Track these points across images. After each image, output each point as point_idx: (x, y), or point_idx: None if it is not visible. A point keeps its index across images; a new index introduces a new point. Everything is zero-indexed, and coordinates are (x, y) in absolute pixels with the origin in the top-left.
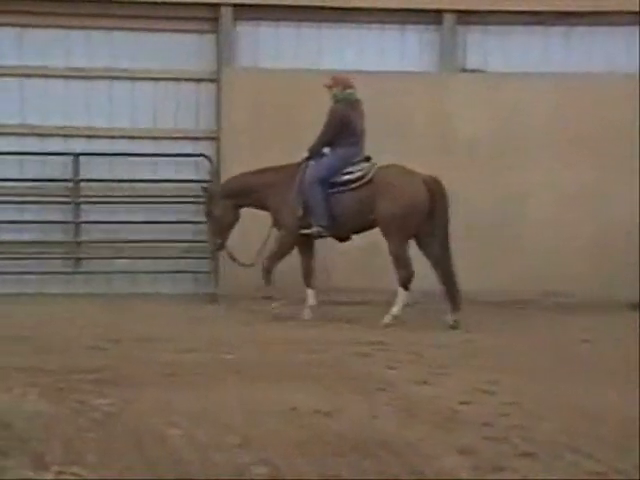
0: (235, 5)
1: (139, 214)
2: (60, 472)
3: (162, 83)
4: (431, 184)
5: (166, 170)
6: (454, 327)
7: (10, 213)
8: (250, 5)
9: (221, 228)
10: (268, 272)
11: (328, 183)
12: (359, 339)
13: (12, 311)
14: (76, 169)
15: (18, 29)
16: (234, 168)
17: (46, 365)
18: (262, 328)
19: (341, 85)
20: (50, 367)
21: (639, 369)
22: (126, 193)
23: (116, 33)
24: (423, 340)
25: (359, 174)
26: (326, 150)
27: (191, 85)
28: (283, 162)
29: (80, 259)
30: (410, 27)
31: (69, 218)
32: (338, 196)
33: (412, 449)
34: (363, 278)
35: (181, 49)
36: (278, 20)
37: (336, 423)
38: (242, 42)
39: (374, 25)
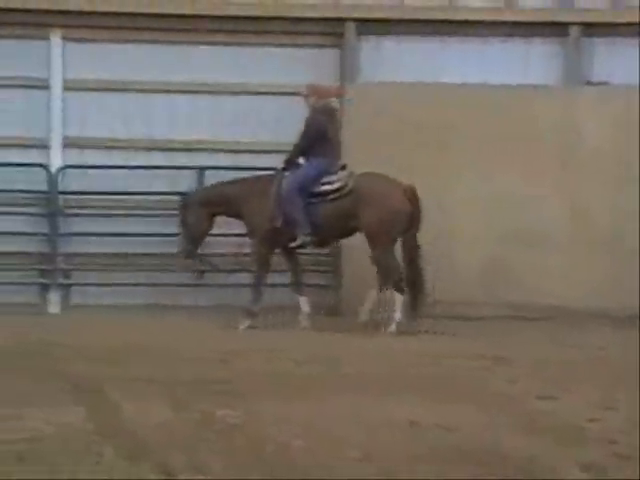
0: (359, 20)
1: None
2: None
3: (285, 97)
4: (410, 192)
5: None
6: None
7: (137, 226)
8: (373, 20)
9: (194, 235)
10: (259, 288)
11: (307, 193)
12: (478, 352)
13: (146, 322)
14: (201, 182)
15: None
16: None
17: (172, 376)
18: (381, 341)
19: (317, 95)
20: (176, 378)
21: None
22: None
23: (242, 48)
24: (545, 355)
25: (339, 184)
26: (301, 161)
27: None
28: (404, 176)
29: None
30: (535, 40)
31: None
32: (319, 206)
33: (534, 464)
34: (480, 292)
35: (304, 64)
36: (401, 34)
37: (456, 437)
38: (365, 57)
39: (498, 38)
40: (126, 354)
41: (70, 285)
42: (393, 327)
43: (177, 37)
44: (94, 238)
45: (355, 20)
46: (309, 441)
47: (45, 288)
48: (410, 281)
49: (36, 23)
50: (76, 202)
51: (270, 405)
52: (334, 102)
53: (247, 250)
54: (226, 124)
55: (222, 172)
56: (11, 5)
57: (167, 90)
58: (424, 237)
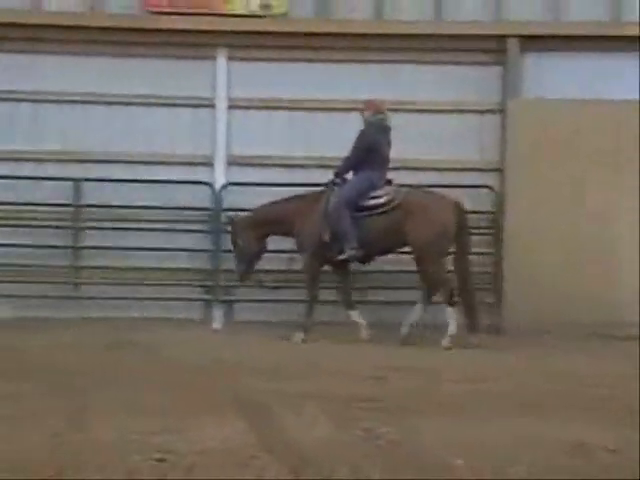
0: (522, 36)
1: None
2: None
3: (445, 114)
4: (458, 207)
5: None
6: (474, 346)
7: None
8: (537, 36)
9: (247, 257)
10: (311, 303)
11: (355, 207)
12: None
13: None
14: None
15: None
16: (518, 199)
17: (332, 392)
18: (547, 361)
19: (373, 109)
20: (335, 394)
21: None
22: None
23: (404, 66)
24: None
25: (387, 198)
26: (349, 176)
27: (474, 116)
28: (567, 194)
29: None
30: None
31: None
32: (366, 220)
33: None
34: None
35: (465, 81)
36: (563, 50)
37: (623, 460)
38: (528, 73)
39: None
40: (287, 370)
41: (233, 301)
42: (447, 341)
43: (338, 56)
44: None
45: (518, 36)
46: (472, 459)
47: (209, 304)
48: (463, 297)
49: (202, 43)
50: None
51: (428, 423)
52: (388, 118)
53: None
54: None
55: None
56: (179, 26)
57: (329, 108)
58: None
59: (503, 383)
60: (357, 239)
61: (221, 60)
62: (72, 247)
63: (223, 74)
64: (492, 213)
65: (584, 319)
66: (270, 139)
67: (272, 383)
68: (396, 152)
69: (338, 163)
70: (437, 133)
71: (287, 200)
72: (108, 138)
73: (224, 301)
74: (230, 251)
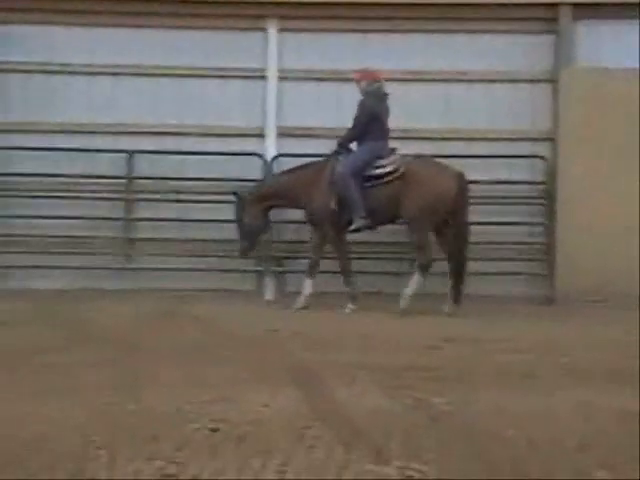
0: (575, 4)
1: (483, 215)
2: (401, 467)
3: (497, 84)
4: (459, 179)
5: (500, 171)
6: (449, 315)
7: None
8: (589, 4)
9: (251, 232)
10: (348, 273)
11: (361, 177)
12: None
13: (359, 309)
14: None
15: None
16: (570, 169)
17: (385, 362)
18: (598, 331)
19: (369, 79)
20: (389, 364)
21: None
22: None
23: (456, 36)
24: None
25: (391, 168)
26: (352, 145)
27: (526, 86)
28: (620, 163)
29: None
30: None
31: None
32: (372, 189)
33: None
34: None
35: (517, 50)
36: (616, 18)
37: None
38: (581, 41)
39: None
40: (340, 340)
41: (285, 272)
42: (402, 303)
43: (388, 25)
44: (305, 225)
45: (570, 4)
46: (525, 430)
47: (261, 275)
48: (454, 268)
49: (253, 15)
50: None
51: (484, 392)
52: (384, 86)
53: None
54: (439, 112)
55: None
56: None
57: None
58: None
59: (555, 353)
60: (365, 208)
61: (272, 31)
62: (125, 219)
63: (274, 45)
64: (544, 183)
65: (636, 289)
66: (320, 110)
67: (325, 353)
68: (448, 123)
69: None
70: (489, 103)
71: (290, 172)
72: (160, 110)
73: (276, 272)
74: (282, 222)
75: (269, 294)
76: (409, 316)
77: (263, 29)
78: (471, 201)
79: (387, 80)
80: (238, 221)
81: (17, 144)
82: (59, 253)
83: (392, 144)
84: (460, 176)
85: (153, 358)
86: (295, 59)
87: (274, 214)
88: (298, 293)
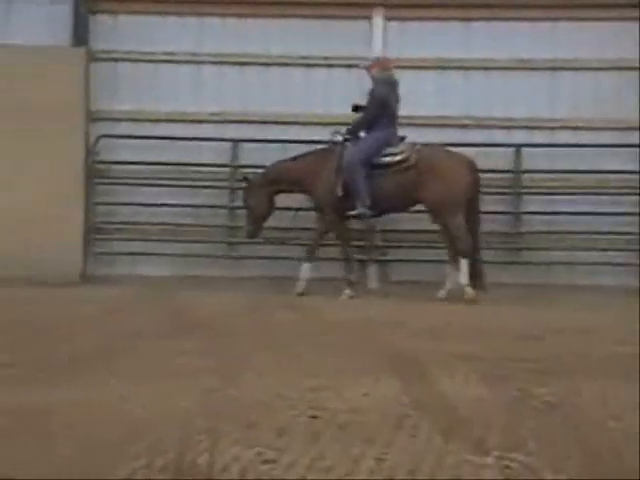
0: None
1: (579, 205)
2: (500, 457)
3: (604, 72)
4: (472, 166)
5: (606, 161)
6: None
7: None
8: None
9: (257, 216)
10: (349, 258)
11: (369, 165)
12: None
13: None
14: (518, 160)
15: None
16: None
17: (488, 352)
18: None
19: (380, 67)
20: (492, 354)
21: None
22: (566, 184)
23: (560, 23)
24: None
25: (402, 157)
26: (362, 133)
27: (635, 74)
28: None
29: (520, 249)
30: None
31: (509, 209)
32: (380, 178)
33: None
34: None
35: (624, 37)
36: None
37: None
38: None
39: None
40: (443, 330)
41: (388, 261)
42: (470, 293)
43: (492, 13)
44: (408, 215)
45: None
46: (630, 422)
47: (364, 264)
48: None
49: (358, 3)
50: None
51: (588, 384)
52: (394, 74)
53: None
54: (545, 101)
55: (539, 150)
56: None
57: (487, 67)
58: None
59: None
60: (371, 196)
61: (377, 19)
62: (229, 207)
63: (379, 33)
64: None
65: None
66: (423, 98)
67: (427, 343)
68: (555, 112)
69: (494, 122)
70: (596, 92)
71: (298, 157)
72: (265, 99)
73: (379, 261)
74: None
75: (372, 282)
76: (506, 305)
77: (368, 17)
78: (578, 191)
79: (489, 69)
80: (245, 205)
81: (124, 132)
82: (164, 240)
83: (504, 135)
84: (472, 163)
85: (254, 345)
86: (399, 47)
87: None
88: (401, 282)
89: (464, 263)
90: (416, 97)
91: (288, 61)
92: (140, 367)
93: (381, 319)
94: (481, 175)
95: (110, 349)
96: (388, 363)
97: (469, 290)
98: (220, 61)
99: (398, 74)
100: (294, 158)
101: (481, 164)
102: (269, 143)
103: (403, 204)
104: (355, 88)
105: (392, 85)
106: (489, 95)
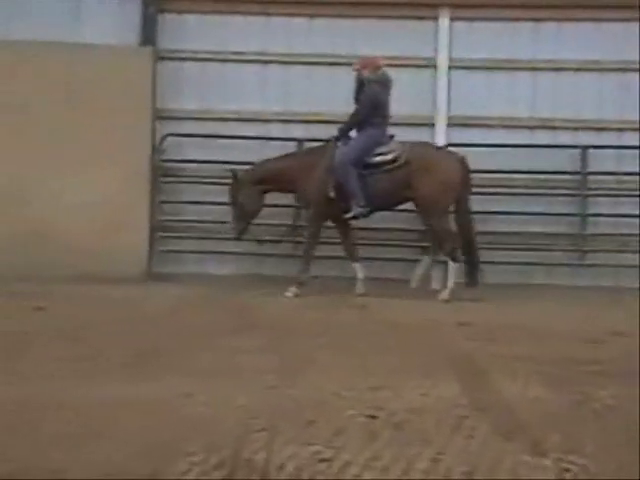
0: None
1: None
2: (558, 459)
3: None
4: (463, 163)
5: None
6: (476, 300)
7: (518, 205)
8: None
9: (246, 214)
10: (308, 258)
11: (361, 164)
12: None
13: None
14: (584, 162)
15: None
16: None
17: (548, 354)
18: None
19: (371, 66)
20: (551, 357)
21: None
22: (633, 186)
23: (629, 25)
24: None
25: (393, 155)
26: (352, 132)
27: None
28: None
29: (586, 252)
30: None
31: (575, 210)
32: (372, 177)
33: None
34: None
35: None
36: None
37: None
38: None
39: None
40: (505, 331)
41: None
42: (445, 294)
43: (561, 14)
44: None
45: None
46: None
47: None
48: (464, 249)
49: (425, 3)
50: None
51: None
52: (387, 73)
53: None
54: (613, 103)
55: (605, 151)
56: None
57: (554, 68)
58: None
59: None
60: (364, 196)
61: (443, 20)
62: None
63: (445, 34)
64: None
65: None
66: (491, 100)
67: (488, 344)
68: (623, 113)
69: (559, 124)
70: None
71: (288, 156)
72: (331, 98)
73: (442, 262)
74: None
75: (436, 284)
76: (570, 307)
77: (435, 18)
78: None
79: (557, 70)
80: (233, 201)
81: (190, 131)
82: (228, 239)
83: (571, 136)
84: (463, 161)
85: (315, 344)
86: (466, 48)
87: None
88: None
89: (452, 266)
90: (482, 98)
91: (355, 61)
92: (202, 365)
93: (443, 320)
94: (547, 177)
95: (173, 347)
96: (448, 364)
97: (447, 291)
98: (287, 61)
99: (462, 75)
100: (284, 156)
101: (547, 166)
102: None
103: (393, 202)
104: (421, 88)
105: (385, 85)
106: (557, 96)
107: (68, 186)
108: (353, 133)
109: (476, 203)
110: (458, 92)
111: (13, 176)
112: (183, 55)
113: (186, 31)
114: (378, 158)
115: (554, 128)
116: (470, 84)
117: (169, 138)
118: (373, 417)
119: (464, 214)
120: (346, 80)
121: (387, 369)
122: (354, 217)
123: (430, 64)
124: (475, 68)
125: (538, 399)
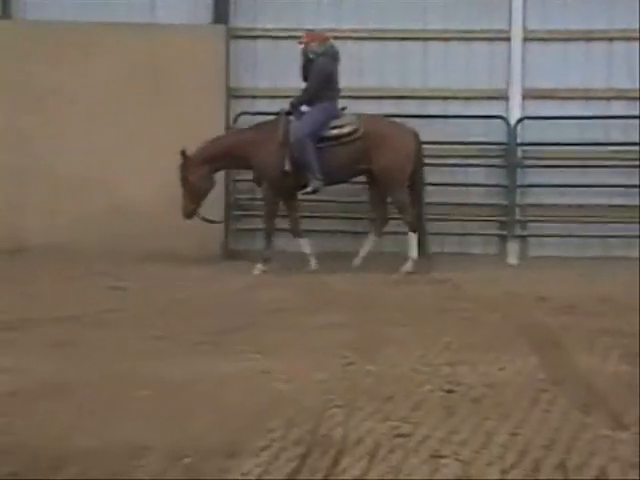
0: None
1: None
2: (638, 433)
3: None
4: (416, 137)
5: None
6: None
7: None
8: None
9: (196, 194)
10: (270, 234)
11: (317, 138)
12: None
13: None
14: None
15: None
16: None
17: (626, 328)
18: None
19: (318, 40)
20: (629, 330)
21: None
22: None
23: None
24: None
25: (350, 128)
26: (304, 107)
27: None
28: None
29: None
30: None
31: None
32: (328, 150)
33: None
34: None
35: None
36: None
37: None
38: None
39: None
40: (584, 304)
41: (527, 236)
42: (409, 266)
43: None
44: (550, 189)
45: None
46: None
47: (503, 239)
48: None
49: None
50: (534, 153)
51: None
52: (335, 45)
53: None
54: None
55: None
56: None
57: (628, 38)
58: None
59: None
60: (321, 170)
61: None
62: None
63: (519, 6)
64: None
65: None
66: (566, 71)
67: (566, 317)
68: None
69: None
70: None
71: (237, 133)
72: (404, 74)
73: (519, 236)
74: (528, 186)
75: (512, 258)
76: None
77: None
78: None
79: (631, 39)
80: (183, 181)
81: (263, 109)
82: (303, 217)
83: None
84: (416, 134)
85: (393, 320)
86: (540, 20)
87: (521, 178)
88: (541, 257)
89: (412, 236)
90: (558, 69)
91: (428, 35)
92: (281, 342)
93: (521, 294)
94: (623, 148)
95: (252, 324)
96: (526, 338)
97: (410, 263)
98: (360, 36)
99: (536, 46)
100: (232, 133)
101: (623, 137)
102: (407, 118)
103: (349, 175)
104: (495, 61)
105: (334, 57)
106: (632, 66)
107: (147, 165)
108: (304, 107)
109: (550, 175)
110: (533, 64)
111: (95, 156)
112: (256, 33)
113: (259, 9)
114: (334, 131)
115: (631, 99)
116: (545, 56)
117: (243, 116)
118: (451, 392)
119: (417, 187)
120: (417, 54)
121: (465, 343)
122: (313, 191)
123: (504, 36)
124: (551, 39)
125: (618, 373)
